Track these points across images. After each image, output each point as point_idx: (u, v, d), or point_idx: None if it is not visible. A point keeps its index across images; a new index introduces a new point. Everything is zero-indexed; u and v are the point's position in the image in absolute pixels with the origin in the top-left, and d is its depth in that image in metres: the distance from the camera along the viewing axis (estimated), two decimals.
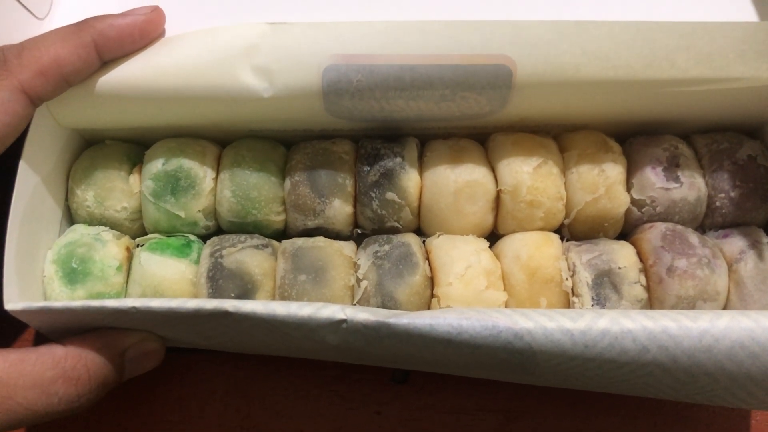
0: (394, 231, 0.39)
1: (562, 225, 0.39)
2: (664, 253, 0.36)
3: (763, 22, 0.35)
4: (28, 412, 0.30)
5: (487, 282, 0.36)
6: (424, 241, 0.39)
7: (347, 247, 0.38)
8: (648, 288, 0.36)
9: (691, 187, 0.38)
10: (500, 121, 0.39)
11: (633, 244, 0.38)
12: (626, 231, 0.40)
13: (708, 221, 0.39)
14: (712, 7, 0.37)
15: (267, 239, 0.38)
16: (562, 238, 0.38)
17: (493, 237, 0.40)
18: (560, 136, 0.40)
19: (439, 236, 0.38)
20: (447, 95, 0.36)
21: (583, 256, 0.37)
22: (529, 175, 0.38)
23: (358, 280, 0.36)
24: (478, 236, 0.39)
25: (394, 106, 0.36)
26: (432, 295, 0.36)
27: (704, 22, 0.34)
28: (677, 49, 0.34)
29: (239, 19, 0.35)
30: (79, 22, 0.34)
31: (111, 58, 0.35)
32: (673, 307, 0.36)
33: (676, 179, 0.38)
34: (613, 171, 0.38)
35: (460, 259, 0.36)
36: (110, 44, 0.34)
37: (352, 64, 0.34)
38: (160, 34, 0.36)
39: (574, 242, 0.38)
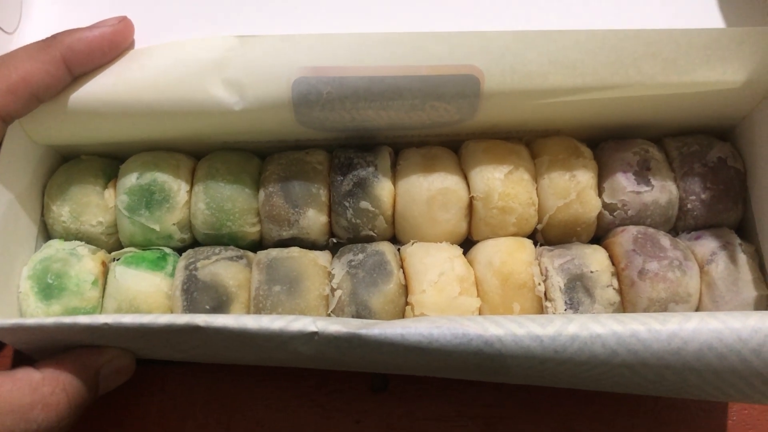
0: (369, 240, 0.39)
1: (535, 230, 0.40)
2: (635, 256, 0.37)
3: (727, 28, 0.35)
4: None
5: (460, 288, 0.36)
6: (398, 249, 0.39)
7: (322, 257, 0.38)
8: (620, 291, 0.37)
9: (662, 190, 0.39)
10: (472, 128, 0.39)
11: (605, 247, 0.39)
12: (599, 235, 0.40)
13: (680, 223, 0.40)
14: (679, 13, 0.37)
15: (242, 251, 0.39)
16: (535, 243, 0.39)
17: (467, 243, 0.40)
18: (532, 142, 0.41)
19: (413, 244, 0.39)
20: (417, 105, 0.36)
21: (555, 260, 0.37)
22: (500, 181, 0.38)
23: (333, 290, 0.36)
24: (452, 243, 0.39)
25: (365, 116, 0.37)
26: (406, 303, 0.37)
27: (669, 30, 0.34)
28: (644, 56, 0.35)
29: (207, 31, 0.36)
30: (47, 38, 0.34)
31: (81, 72, 0.35)
32: (646, 309, 0.36)
33: (647, 183, 0.39)
34: (585, 176, 0.38)
35: (434, 266, 0.37)
36: (80, 58, 0.34)
37: (321, 76, 0.35)
38: (130, 45, 0.36)
39: (546, 247, 0.39)
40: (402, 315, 0.36)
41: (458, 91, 0.35)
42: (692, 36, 0.34)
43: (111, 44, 0.35)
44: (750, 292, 0.36)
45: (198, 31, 0.36)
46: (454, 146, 0.41)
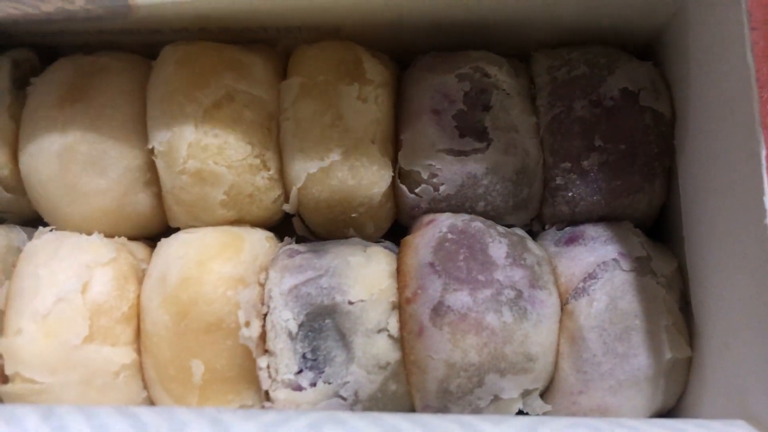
0: None
1: (288, 215, 0.22)
2: (431, 276, 0.19)
3: None
4: None
5: (89, 329, 0.19)
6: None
7: None
8: (402, 342, 0.19)
9: (507, 148, 0.21)
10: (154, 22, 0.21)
11: (401, 252, 0.21)
12: (408, 223, 0.23)
13: (546, 212, 0.22)
14: None
15: None
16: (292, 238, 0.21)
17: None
18: (292, 50, 0.22)
19: (49, 232, 0.21)
20: None
21: (286, 277, 0.20)
22: (193, 124, 0.20)
23: None
24: (123, 234, 0.22)
25: None
26: None
27: None
28: None
29: None
30: None
31: None
32: (443, 381, 0.19)
33: (480, 135, 0.21)
34: (362, 117, 0.21)
35: (52, 283, 0.19)
36: None
37: None
38: None
39: (289, 248, 0.21)
40: None
41: None
42: None
43: None
44: (651, 355, 0.19)
45: None
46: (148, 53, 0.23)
